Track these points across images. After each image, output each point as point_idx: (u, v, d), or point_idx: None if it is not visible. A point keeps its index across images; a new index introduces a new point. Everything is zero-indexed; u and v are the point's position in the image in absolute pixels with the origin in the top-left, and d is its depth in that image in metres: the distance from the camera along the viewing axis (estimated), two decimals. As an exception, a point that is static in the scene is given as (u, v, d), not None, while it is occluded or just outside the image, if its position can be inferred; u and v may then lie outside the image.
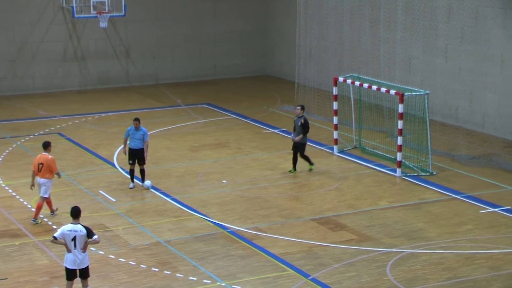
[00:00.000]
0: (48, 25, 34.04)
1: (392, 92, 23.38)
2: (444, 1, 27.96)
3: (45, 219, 19.34)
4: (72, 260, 14.47)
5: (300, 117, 22.98)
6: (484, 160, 24.27)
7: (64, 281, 14.85)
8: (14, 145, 26.10)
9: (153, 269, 16.67)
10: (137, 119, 21.57)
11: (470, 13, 27.19)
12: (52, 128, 28.32)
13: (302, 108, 23.22)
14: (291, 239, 18.27)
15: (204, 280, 16.16)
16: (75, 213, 14.58)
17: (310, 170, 23.23)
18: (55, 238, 14.45)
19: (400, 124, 22.78)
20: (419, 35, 28.79)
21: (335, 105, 25.09)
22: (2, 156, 24.85)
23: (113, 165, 23.97)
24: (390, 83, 25.11)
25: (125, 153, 21.83)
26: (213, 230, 18.90)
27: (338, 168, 23.64)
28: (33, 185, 19.34)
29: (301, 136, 22.83)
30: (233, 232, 18.72)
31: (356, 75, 26.27)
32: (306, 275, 16.39)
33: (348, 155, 24.89)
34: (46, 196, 19.20)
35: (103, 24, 31.91)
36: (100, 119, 29.74)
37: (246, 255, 17.41)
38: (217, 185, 22.17)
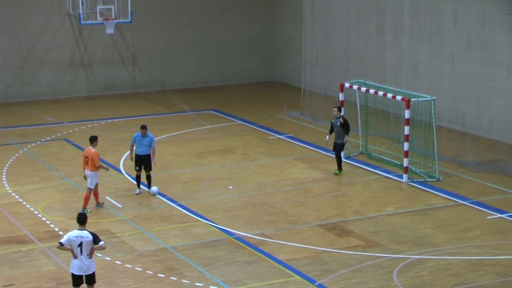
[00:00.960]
0: (55, 32, 34.11)
1: (399, 98, 23.36)
2: (451, 6, 27.92)
3: (52, 225, 19.37)
4: (78, 266, 14.48)
5: (337, 118, 23.20)
6: (491, 166, 24.22)
7: (70, 287, 14.83)
8: (21, 151, 26.14)
9: (160, 275, 16.66)
10: (144, 127, 21.58)
11: (477, 19, 27.16)
12: (59, 134, 28.35)
13: (339, 109, 23.50)
14: (297, 245, 18.24)
15: (211, 286, 16.14)
16: (82, 219, 14.58)
17: (336, 174, 23.43)
18: (61, 244, 14.45)
19: (406, 130, 22.75)
20: (426, 40, 28.76)
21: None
22: (9, 162, 24.89)
23: (120, 171, 23.99)
24: (396, 89, 25.11)
25: (131, 159, 21.87)
26: (220, 236, 18.88)
27: (345, 174, 23.61)
28: (84, 177, 20.35)
29: (346, 137, 23.26)
30: (239, 238, 18.70)
31: (362, 80, 26.26)
32: (312, 281, 16.36)
33: (354, 161, 24.87)
34: (92, 187, 20.18)
35: (110, 30, 31.92)
36: (107, 125, 29.76)
37: (253, 261, 17.39)
38: (223, 191, 22.17)
